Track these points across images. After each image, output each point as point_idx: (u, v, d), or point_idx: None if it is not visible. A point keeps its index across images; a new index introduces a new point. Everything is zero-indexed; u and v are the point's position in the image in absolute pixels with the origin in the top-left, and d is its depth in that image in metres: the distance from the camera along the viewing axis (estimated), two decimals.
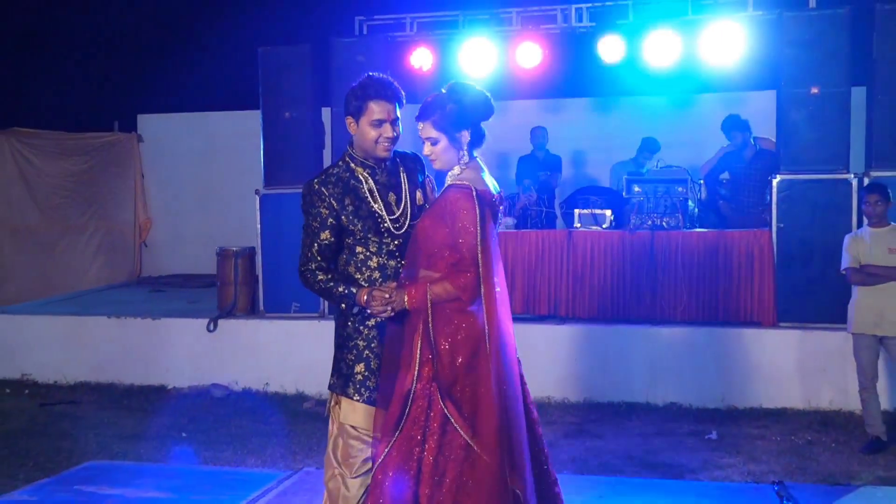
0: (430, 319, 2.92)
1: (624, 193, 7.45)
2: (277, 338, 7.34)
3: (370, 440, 3.05)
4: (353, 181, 3.14)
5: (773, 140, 7.46)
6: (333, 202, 3.10)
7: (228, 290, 7.74)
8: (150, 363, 7.50)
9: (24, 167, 10.82)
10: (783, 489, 4.60)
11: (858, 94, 6.76)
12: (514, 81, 8.18)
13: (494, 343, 2.88)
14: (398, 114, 3.13)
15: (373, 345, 3.11)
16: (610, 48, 7.34)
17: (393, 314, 2.97)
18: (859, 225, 6.15)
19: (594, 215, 7.33)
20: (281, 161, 7.53)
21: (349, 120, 3.15)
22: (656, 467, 5.27)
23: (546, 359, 6.74)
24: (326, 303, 7.01)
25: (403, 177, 3.22)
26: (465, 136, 3.01)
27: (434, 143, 3.01)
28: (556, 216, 8.64)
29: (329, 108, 7.63)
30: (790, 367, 6.48)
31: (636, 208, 7.17)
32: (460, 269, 2.91)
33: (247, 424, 6.26)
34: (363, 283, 3.10)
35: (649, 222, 7.06)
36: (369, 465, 3.03)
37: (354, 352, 3.12)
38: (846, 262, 5.56)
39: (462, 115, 2.98)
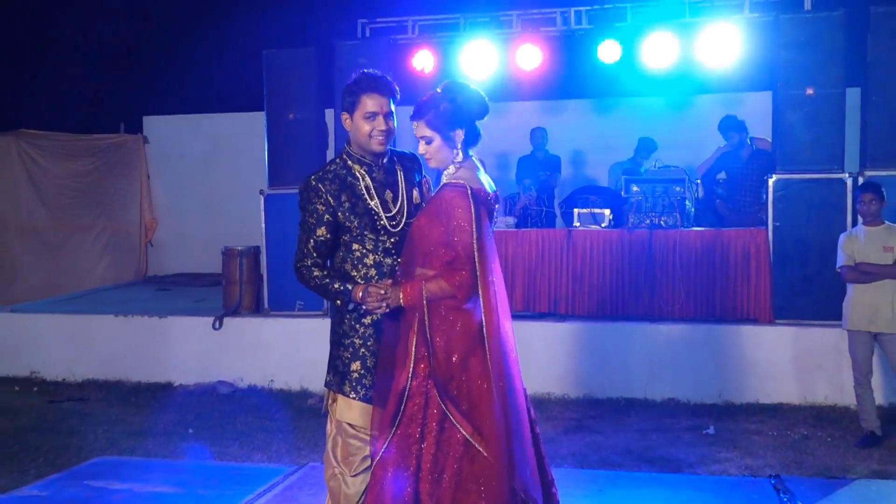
0: (425, 317, 2.90)
1: (622, 193, 7.49)
2: (282, 335, 7.41)
3: (368, 438, 3.05)
4: (350, 178, 3.14)
5: (770, 140, 7.50)
6: (330, 198, 3.09)
7: (234, 289, 7.79)
8: (156, 361, 7.57)
9: (31, 168, 10.92)
10: (780, 482, 4.63)
11: (853, 95, 6.80)
12: (515, 83, 8.24)
13: (493, 340, 2.87)
14: (392, 108, 3.13)
15: (369, 343, 3.10)
16: (608, 51, 7.42)
17: (388, 310, 2.95)
18: (854, 224, 6.19)
19: (593, 214, 7.37)
20: (285, 162, 7.60)
21: (344, 116, 3.17)
22: (655, 462, 5.31)
23: (546, 356, 6.80)
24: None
25: (400, 175, 3.21)
26: (460, 134, 2.99)
27: (428, 141, 3.00)
28: (556, 215, 8.70)
29: (332, 110, 7.68)
30: (786, 363, 6.53)
31: (634, 207, 7.21)
32: (455, 267, 2.88)
33: (252, 421, 6.31)
34: (359, 280, 3.08)
35: (647, 221, 7.10)
36: (368, 462, 3.03)
37: (351, 349, 3.11)
38: (841, 260, 5.61)
39: (456, 114, 2.97)
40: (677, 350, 6.73)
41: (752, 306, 6.83)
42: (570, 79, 9.45)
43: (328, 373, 3.19)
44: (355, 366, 3.10)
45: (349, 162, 3.18)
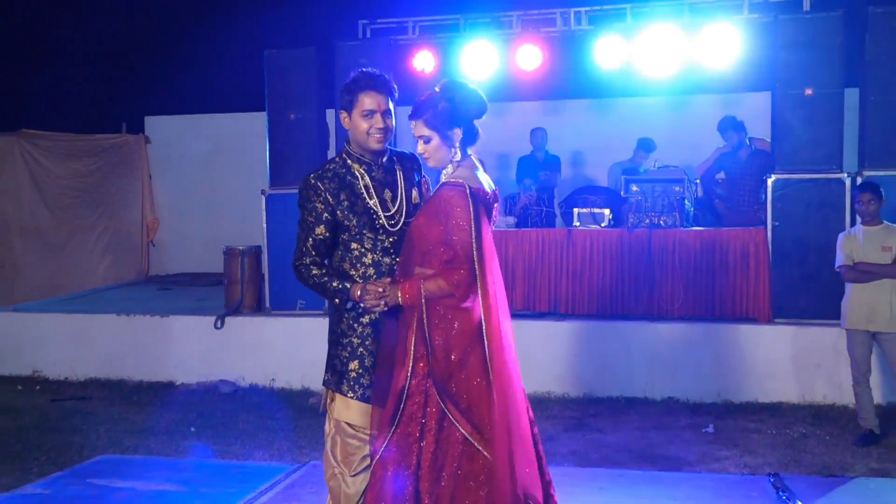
0: (423, 316, 2.89)
1: (622, 193, 7.50)
2: (283, 335, 7.43)
3: (367, 438, 3.05)
4: (349, 177, 3.14)
5: (769, 140, 7.51)
6: (329, 197, 3.09)
7: (235, 288, 7.81)
8: (158, 360, 7.59)
9: (33, 168, 10.95)
10: (779, 480, 4.64)
11: (852, 96, 6.82)
12: (515, 83, 8.24)
13: (492, 339, 2.87)
14: (390, 106, 3.13)
15: (367, 342, 3.10)
16: (607, 53, 7.43)
17: (386, 309, 2.95)
18: (852, 223, 6.20)
19: (593, 214, 7.39)
20: (286, 162, 7.62)
21: (343, 115, 3.17)
22: (654, 460, 5.33)
23: (546, 355, 6.83)
24: None
25: (400, 175, 3.21)
26: (458, 133, 2.98)
27: (426, 141, 2.99)
28: (556, 215, 8.73)
29: (333, 110, 7.69)
30: (785, 362, 6.55)
31: (634, 207, 7.22)
32: (454, 266, 2.87)
33: (254, 419, 6.32)
34: (358, 279, 3.07)
35: (647, 221, 7.12)
36: (368, 461, 3.03)
37: (349, 349, 3.11)
38: (840, 259, 5.63)
39: (454, 113, 2.96)
40: (677, 349, 6.74)
41: (751, 305, 6.85)
42: (569, 79, 9.45)
43: (326, 372, 3.20)
44: (353, 365, 3.10)
45: (348, 161, 3.19)
